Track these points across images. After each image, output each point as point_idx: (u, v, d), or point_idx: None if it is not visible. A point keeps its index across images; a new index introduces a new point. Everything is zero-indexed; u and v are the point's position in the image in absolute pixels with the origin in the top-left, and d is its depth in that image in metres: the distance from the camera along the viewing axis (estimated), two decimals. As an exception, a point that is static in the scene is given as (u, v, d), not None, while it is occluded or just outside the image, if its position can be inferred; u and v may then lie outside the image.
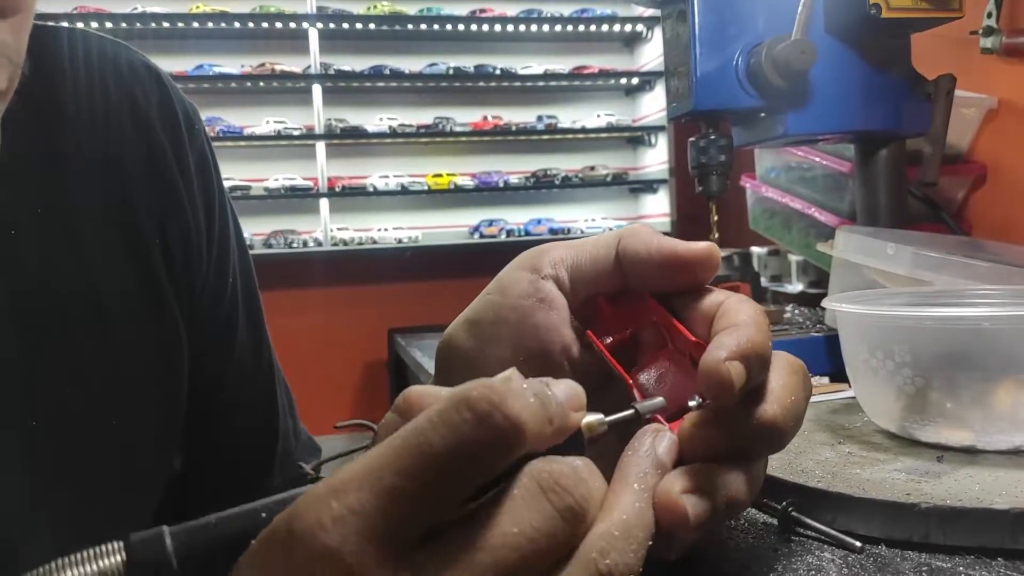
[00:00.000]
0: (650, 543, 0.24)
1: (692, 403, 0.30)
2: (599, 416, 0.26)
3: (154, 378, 0.42)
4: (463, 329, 0.35)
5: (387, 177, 2.63)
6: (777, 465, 0.40)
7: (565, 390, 0.25)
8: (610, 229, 3.11)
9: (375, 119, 2.64)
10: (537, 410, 0.22)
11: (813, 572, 0.32)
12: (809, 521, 0.36)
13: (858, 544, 0.34)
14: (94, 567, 0.21)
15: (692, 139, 0.85)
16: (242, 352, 0.48)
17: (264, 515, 0.22)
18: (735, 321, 0.30)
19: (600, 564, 0.22)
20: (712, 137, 0.82)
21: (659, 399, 0.29)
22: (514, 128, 2.73)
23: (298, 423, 0.54)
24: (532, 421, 0.22)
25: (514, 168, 2.77)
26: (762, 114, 0.84)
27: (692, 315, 0.33)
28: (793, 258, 1.07)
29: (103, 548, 0.21)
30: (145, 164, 0.42)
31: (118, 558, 0.21)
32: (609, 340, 0.34)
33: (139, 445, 0.42)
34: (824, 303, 0.48)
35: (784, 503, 0.37)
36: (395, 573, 0.20)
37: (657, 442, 0.27)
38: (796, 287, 1.05)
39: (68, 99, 0.40)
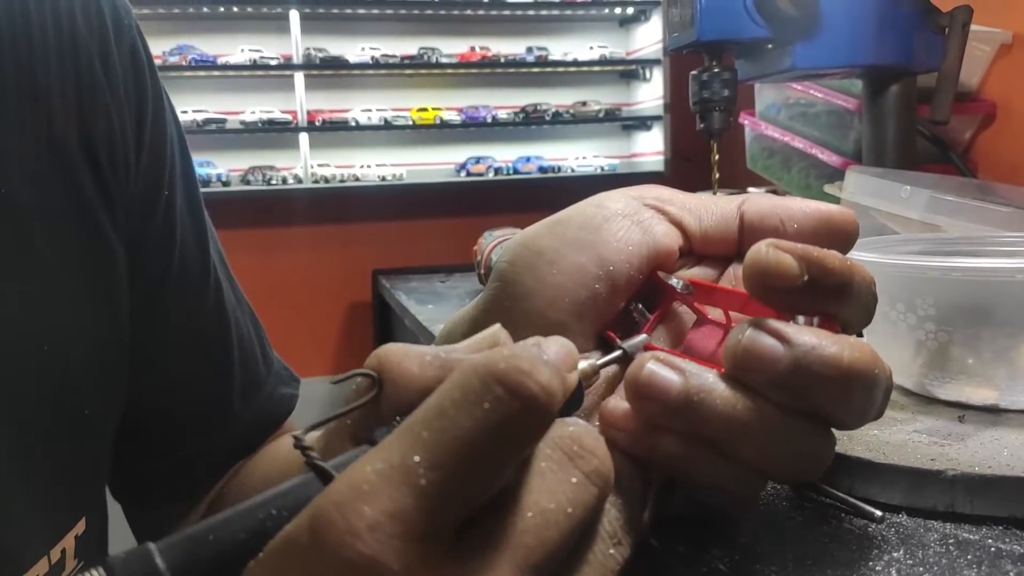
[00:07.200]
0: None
1: None
2: (591, 361, 0.25)
3: (86, 290, 0.39)
4: (546, 228, 0.30)
5: (370, 111, 2.53)
6: (788, 425, 0.37)
7: (558, 351, 0.22)
8: (602, 168, 2.96)
9: (356, 49, 2.52)
10: (556, 374, 0.20)
11: (832, 544, 0.30)
12: (826, 488, 0.33)
13: (878, 513, 0.31)
14: None
15: (694, 72, 0.80)
16: (188, 274, 0.45)
17: (262, 516, 0.19)
18: None
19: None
20: (716, 70, 0.78)
21: (642, 335, 0.27)
22: (503, 60, 2.62)
23: (268, 352, 0.52)
24: (559, 387, 0.20)
25: (503, 103, 2.68)
26: (769, 46, 0.79)
27: None
28: (791, 199, 1.04)
29: None
30: (70, 76, 0.39)
31: None
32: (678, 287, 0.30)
33: (77, 375, 0.38)
34: (840, 251, 0.45)
35: (798, 468, 0.34)
36: (440, 570, 0.18)
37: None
38: (794, 230, 1.02)
39: None
